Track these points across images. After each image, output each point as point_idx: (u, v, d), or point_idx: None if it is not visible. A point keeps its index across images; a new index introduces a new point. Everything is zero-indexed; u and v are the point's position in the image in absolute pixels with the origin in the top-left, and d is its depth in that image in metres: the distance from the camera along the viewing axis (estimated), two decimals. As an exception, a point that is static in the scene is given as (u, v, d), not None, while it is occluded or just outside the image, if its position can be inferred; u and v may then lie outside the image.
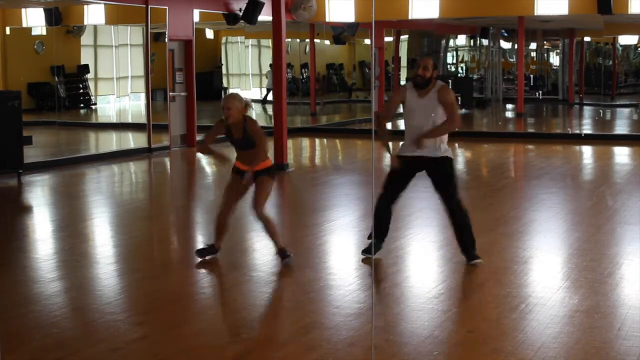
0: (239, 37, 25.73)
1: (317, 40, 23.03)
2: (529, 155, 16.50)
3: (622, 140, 17.64)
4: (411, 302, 6.14)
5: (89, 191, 12.11)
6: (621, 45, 31.09)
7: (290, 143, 15.44)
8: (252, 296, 6.53)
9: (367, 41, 26.10)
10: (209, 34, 25.52)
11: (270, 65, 18.93)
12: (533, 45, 30.84)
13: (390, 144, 7.28)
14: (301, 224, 9.17)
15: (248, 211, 7.30)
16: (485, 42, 28.42)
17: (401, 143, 7.10)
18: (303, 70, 24.23)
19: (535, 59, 31.50)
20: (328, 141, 18.83)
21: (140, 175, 14.18)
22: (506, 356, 4.97)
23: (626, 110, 26.62)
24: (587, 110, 26.73)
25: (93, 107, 20.90)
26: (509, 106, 26.35)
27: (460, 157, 15.57)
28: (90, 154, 15.31)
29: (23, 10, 18.13)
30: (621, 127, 22.17)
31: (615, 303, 6.12)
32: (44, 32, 18.61)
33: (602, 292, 6.33)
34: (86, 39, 19.86)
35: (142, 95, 17.87)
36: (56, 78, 18.63)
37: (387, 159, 14.30)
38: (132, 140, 17.93)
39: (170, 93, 16.16)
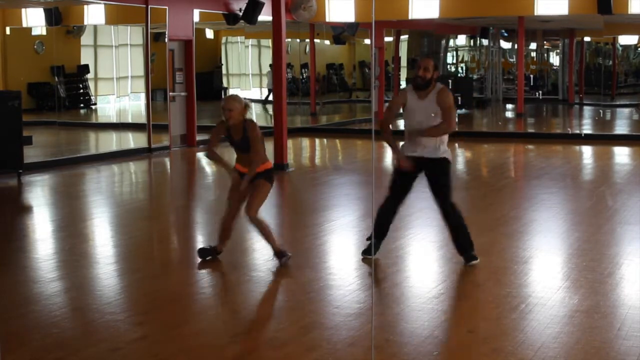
0: (239, 37, 25.72)
1: (317, 40, 23.03)
2: (529, 155, 16.50)
3: (622, 140, 17.65)
4: (411, 302, 6.14)
5: (89, 191, 12.11)
6: (621, 45, 31.08)
7: (290, 143, 15.44)
8: (252, 296, 6.53)
9: (367, 41, 26.09)
10: (209, 34, 25.52)
11: (270, 66, 18.92)
12: (533, 45, 30.84)
13: (401, 144, 7.26)
14: (301, 224, 9.18)
15: (248, 211, 7.29)
16: (485, 42, 28.42)
17: (401, 144, 7.11)
18: (303, 70, 24.22)
19: (535, 59, 31.50)
20: (328, 141, 18.83)
21: (140, 175, 14.18)
22: (506, 356, 4.97)
23: (626, 110, 26.62)
24: (587, 110, 26.73)
25: (93, 107, 20.89)
26: (509, 106, 26.35)
27: (460, 157, 15.58)
28: (90, 154, 15.31)
29: (23, 10, 18.13)
30: (621, 127, 22.17)
31: (615, 303, 6.12)
32: (44, 32, 18.61)
33: (602, 292, 6.33)
34: (86, 39, 19.86)
35: (142, 95, 17.87)
36: (56, 78, 18.63)
37: (387, 159, 14.33)
38: (132, 140, 17.93)
39: (170, 93, 16.17)
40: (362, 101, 26.55)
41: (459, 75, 29.69)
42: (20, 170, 12.11)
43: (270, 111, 21.76)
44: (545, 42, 30.90)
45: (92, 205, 10.83)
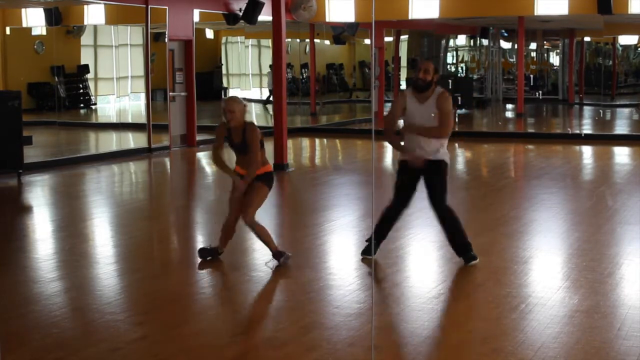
0: (239, 37, 25.72)
1: (317, 40, 23.03)
2: (529, 155, 16.50)
3: (622, 140, 17.65)
4: (411, 302, 6.14)
5: (89, 191, 12.11)
6: (621, 45, 31.09)
7: (290, 143, 15.44)
8: (252, 296, 6.54)
9: (367, 41, 26.09)
10: (209, 34, 25.52)
11: (271, 67, 18.92)
12: (533, 45, 30.85)
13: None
14: (301, 224, 9.18)
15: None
16: (485, 42, 28.42)
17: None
18: (303, 70, 24.22)
19: (535, 59, 31.50)
20: (328, 141, 18.83)
21: (140, 175, 14.18)
22: (506, 356, 4.97)
23: (626, 110, 26.62)
24: (587, 110, 26.73)
25: (93, 107, 20.90)
26: (509, 106, 26.35)
27: (460, 157, 15.58)
28: (90, 154, 15.31)
29: (23, 10, 18.13)
30: (621, 127, 22.17)
31: (615, 303, 6.12)
32: (44, 32, 18.61)
33: (602, 292, 6.33)
34: (86, 39, 19.87)
35: (142, 95, 17.87)
36: (56, 78, 18.63)
37: (387, 159, 14.33)
38: (132, 140, 17.93)
39: (170, 93, 16.17)
40: (362, 101, 26.56)
41: (459, 75, 29.69)
42: (20, 170, 12.11)
43: (271, 111, 21.79)
44: (545, 42, 30.90)
45: (92, 205, 10.83)
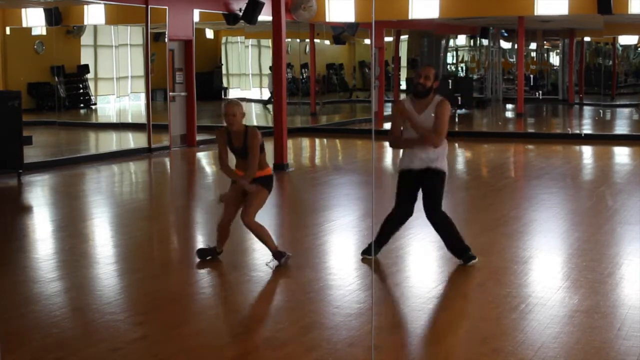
0: (239, 37, 25.73)
1: (317, 40, 23.03)
2: (529, 155, 16.50)
3: (622, 140, 17.65)
4: (411, 302, 6.14)
5: (89, 191, 12.11)
6: (621, 45, 31.09)
7: (290, 143, 15.44)
8: (252, 296, 6.54)
9: (367, 41, 26.09)
10: (209, 34, 25.53)
11: (271, 68, 18.93)
12: (533, 45, 30.85)
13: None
14: (301, 224, 9.18)
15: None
16: (485, 42, 28.42)
17: (401, 151, 7.11)
18: (303, 70, 24.22)
19: (535, 59, 31.50)
20: (328, 141, 18.83)
21: (140, 175, 14.18)
22: (506, 356, 4.97)
23: (626, 110, 26.62)
24: (587, 110, 26.73)
25: (93, 107, 20.90)
26: (509, 106, 26.35)
27: (460, 157, 15.58)
28: (90, 154, 15.31)
29: (23, 10, 18.13)
30: (621, 127, 22.17)
31: (615, 303, 6.12)
32: (44, 32, 18.62)
33: (602, 292, 6.33)
34: (86, 39, 19.87)
35: (142, 95, 17.87)
36: (56, 78, 18.63)
37: (387, 159, 14.33)
38: (132, 140, 17.93)
39: (170, 93, 16.17)
40: (362, 101, 26.56)
41: (459, 75, 29.69)
42: (20, 170, 12.11)
43: (271, 111, 21.79)
44: (545, 42, 30.90)
45: (92, 205, 10.83)
